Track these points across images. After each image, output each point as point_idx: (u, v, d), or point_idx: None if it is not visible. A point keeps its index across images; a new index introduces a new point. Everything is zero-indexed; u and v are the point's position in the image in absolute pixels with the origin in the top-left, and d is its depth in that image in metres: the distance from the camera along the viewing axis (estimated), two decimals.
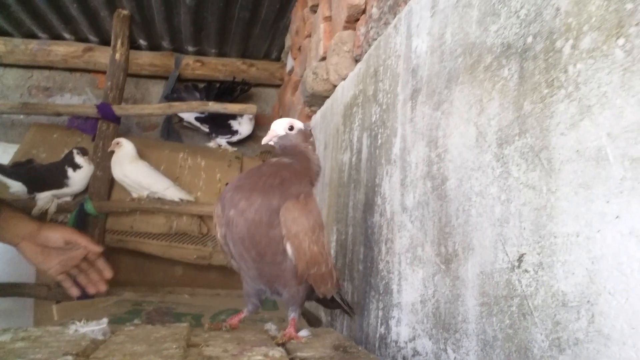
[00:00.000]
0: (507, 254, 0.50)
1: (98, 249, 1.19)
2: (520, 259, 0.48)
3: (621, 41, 0.38)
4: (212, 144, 2.54)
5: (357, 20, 1.20)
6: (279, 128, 0.76)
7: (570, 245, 0.42)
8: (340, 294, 0.84)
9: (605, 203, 0.39)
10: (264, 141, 0.76)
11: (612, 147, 0.39)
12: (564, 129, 0.44)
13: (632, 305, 0.35)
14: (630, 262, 0.36)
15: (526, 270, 0.47)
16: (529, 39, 0.50)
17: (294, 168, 0.74)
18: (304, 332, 0.74)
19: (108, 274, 1.20)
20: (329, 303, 0.87)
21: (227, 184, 2.20)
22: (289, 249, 0.69)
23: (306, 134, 0.78)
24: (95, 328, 0.69)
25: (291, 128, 0.76)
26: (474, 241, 0.57)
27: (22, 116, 2.50)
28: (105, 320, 0.70)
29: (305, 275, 0.71)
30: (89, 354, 0.55)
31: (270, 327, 0.77)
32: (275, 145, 0.76)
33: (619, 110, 0.38)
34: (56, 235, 1.12)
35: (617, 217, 0.37)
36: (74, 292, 1.18)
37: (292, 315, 0.76)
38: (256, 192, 0.70)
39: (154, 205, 2.02)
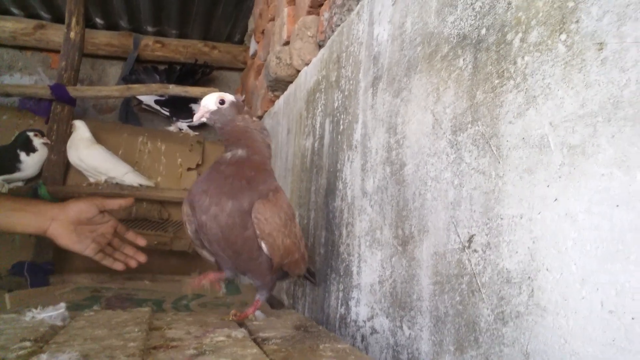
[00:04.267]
0: (458, 235, 0.53)
1: (130, 200, 1.12)
2: (470, 239, 0.51)
3: (563, 36, 0.41)
4: (172, 128, 2.48)
5: (321, 5, 1.20)
6: (209, 103, 0.75)
7: (514, 226, 0.45)
8: (308, 269, 0.89)
9: (546, 187, 0.42)
10: (195, 118, 0.75)
11: (553, 135, 0.42)
12: (512, 117, 0.46)
13: (565, 279, 0.38)
14: (565, 241, 0.39)
15: (475, 250, 0.50)
16: (483, 31, 0.52)
17: (254, 162, 0.75)
18: (259, 314, 0.78)
19: (141, 241, 1.13)
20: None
21: (188, 169, 2.18)
22: (264, 246, 0.72)
23: (239, 106, 0.77)
24: (53, 314, 0.68)
25: (222, 102, 0.75)
26: (428, 224, 0.60)
27: None
28: (62, 305, 0.69)
29: (279, 264, 0.75)
30: (48, 339, 0.55)
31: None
32: (209, 122, 0.75)
33: (560, 101, 0.41)
34: (87, 205, 1.04)
35: (555, 199, 0.41)
36: (119, 266, 1.10)
37: (258, 297, 0.79)
38: (225, 196, 0.71)
39: (112, 191, 1.96)
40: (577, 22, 0.40)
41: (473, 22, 0.54)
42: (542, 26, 0.44)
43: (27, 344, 0.51)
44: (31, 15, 2.39)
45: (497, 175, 0.48)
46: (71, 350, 0.47)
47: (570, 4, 0.40)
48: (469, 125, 0.53)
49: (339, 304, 0.87)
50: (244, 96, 2.50)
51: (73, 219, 1.02)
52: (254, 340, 0.58)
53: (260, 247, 0.72)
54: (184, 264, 2.12)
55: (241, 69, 2.67)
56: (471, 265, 0.51)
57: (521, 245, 0.44)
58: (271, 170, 0.79)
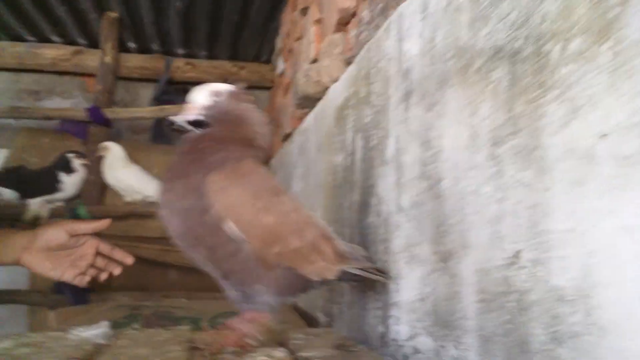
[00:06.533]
0: (503, 251, 0.52)
1: (104, 223, 1.03)
2: (516, 255, 0.49)
3: (608, 44, 0.40)
4: None
5: (348, 23, 1.21)
6: (200, 98, 0.64)
7: (565, 241, 0.43)
8: (358, 266, 0.70)
9: (598, 199, 0.40)
10: (183, 118, 0.65)
11: (602, 145, 0.40)
12: (556, 128, 0.45)
13: (627, 296, 0.37)
14: (623, 255, 0.37)
15: (523, 267, 0.48)
16: (519, 43, 0.51)
17: (215, 135, 0.63)
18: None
19: (129, 260, 1.04)
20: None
21: None
22: (232, 227, 0.56)
23: (239, 95, 0.67)
24: (96, 332, 0.69)
25: (217, 94, 0.65)
26: (470, 239, 0.58)
27: (11, 120, 2.48)
28: (105, 323, 0.71)
29: (269, 255, 0.58)
30: (94, 358, 0.56)
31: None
32: (207, 119, 0.64)
33: (607, 110, 0.40)
34: (56, 232, 0.99)
35: (610, 212, 0.39)
36: (85, 280, 1.02)
37: (253, 307, 0.61)
38: (176, 177, 0.59)
39: (148, 209, 2.01)
40: (622, 29, 0.39)
41: (507, 34, 0.53)
42: (583, 35, 0.42)
43: None
44: (69, 42, 2.50)
45: (543, 187, 0.47)
46: None
47: (613, 12, 0.39)
48: (509, 138, 0.52)
49: (378, 322, 0.85)
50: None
51: (43, 247, 0.98)
52: None
53: (228, 232, 0.56)
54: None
55: (269, 88, 2.71)
56: (519, 282, 0.49)
57: (574, 260, 0.42)
58: (246, 143, 0.65)
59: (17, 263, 0.99)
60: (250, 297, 0.62)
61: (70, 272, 1.00)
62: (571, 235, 0.43)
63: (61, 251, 1.00)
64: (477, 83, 0.58)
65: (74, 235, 1.01)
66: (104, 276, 1.05)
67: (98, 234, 1.06)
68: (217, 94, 0.65)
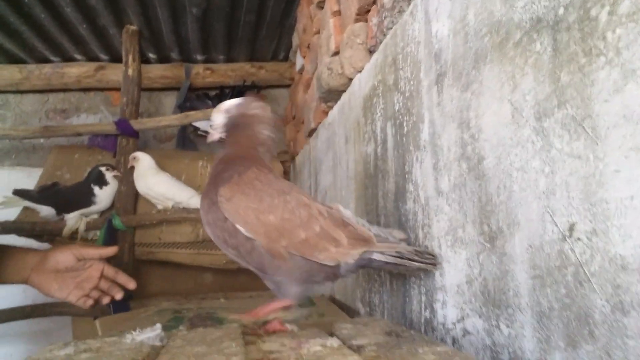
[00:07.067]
0: (556, 225, 0.51)
1: (111, 250, 1.11)
2: (571, 228, 0.48)
3: None
4: None
5: (368, 11, 1.20)
6: (217, 118, 0.77)
7: (624, 209, 0.42)
8: (389, 248, 0.73)
9: None
10: (209, 140, 0.78)
11: None
12: (607, 95, 0.44)
13: None
14: None
15: (579, 239, 0.47)
16: (561, 11, 0.50)
17: (229, 154, 0.76)
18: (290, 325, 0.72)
19: (132, 285, 1.12)
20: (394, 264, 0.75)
21: None
22: (240, 229, 0.67)
23: (247, 104, 0.78)
24: (151, 335, 0.71)
25: (228, 110, 0.77)
26: (518, 216, 0.57)
27: (42, 140, 2.56)
28: (159, 326, 0.72)
29: (277, 248, 0.67)
30: (154, 358, 0.57)
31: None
32: (225, 134, 0.77)
33: None
34: (64, 255, 1.04)
35: None
36: (88, 303, 1.09)
37: (280, 297, 0.71)
38: (204, 195, 0.73)
39: (180, 215, 2.05)
40: None
41: (547, 3, 0.52)
42: None
43: None
44: (91, 58, 2.56)
45: (596, 157, 0.45)
46: None
47: None
48: (556, 110, 0.51)
49: (423, 308, 0.85)
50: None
51: (52, 268, 1.02)
52: (350, 348, 0.57)
53: (245, 236, 0.67)
54: (252, 280, 2.15)
55: (288, 85, 2.72)
56: (575, 255, 0.48)
57: (635, 228, 0.41)
58: (254, 155, 0.76)
59: (25, 282, 1.04)
60: (280, 287, 0.72)
61: (76, 293, 1.05)
62: (631, 202, 0.42)
63: (67, 273, 1.04)
64: (517, 57, 0.57)
65: (80, 260, 1.05)
66: (106, 300, 1.11)
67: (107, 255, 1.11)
68: (228, 110, 0.77)
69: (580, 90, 0.47)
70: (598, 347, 0.45)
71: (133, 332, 0.72)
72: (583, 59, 0.47)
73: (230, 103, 0.78)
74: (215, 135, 0.77)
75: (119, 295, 1.11)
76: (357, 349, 0.57)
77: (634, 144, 0.41)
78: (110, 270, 1.08)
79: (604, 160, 0.45)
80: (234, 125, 0.77)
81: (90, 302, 1.08)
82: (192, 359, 0.56)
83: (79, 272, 1.06)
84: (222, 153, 0.78)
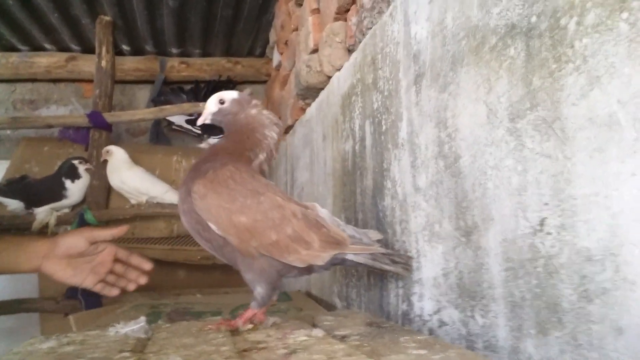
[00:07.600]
0: (528, 220, 0.54)
1: (123, 230, 1.06)
2: (542, 223, 0.52)
3: (625, 15, 0.42)
4: (204, 145, 2.54)
5: (348, 10, 1.22)
6: (211, 105, 0.78)
7: (589, 205, 0.46)
8: (362, 250, 0.75)
9: (620, 163, 0.43)
10: (199, 121, 0.78)
11: (623, 112, 0.42)
12: (575, 99, 0.48)
13: None
14: None
15: (549, 233, 0.51)
16: (533, 19, 0.53)
17: (219, 146, 0.76)
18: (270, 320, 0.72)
19: (147, 266, 1.07)
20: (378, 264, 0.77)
21: None
22: (212, 227, 0.67)
23: (243, 102, 0.78)
24: (135, 327, 0.71)
25: (222, 101, 0.78)
26: (493, 212, 0.61)
27: (9, 131, 2.48)
28: (143, 318, 0.73)
29: (248, 248, 0.67)
30: (142, 349, 0.58)
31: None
32: (214, 122, 0.78)
33: (627, 78, 0.42)
34: (76, 239, 1.01)
35: (632, 174, 0.41)
36: (114, 292, 1.05)
37: (252, 303, 0.71)
38: (183, 183, 0.73)
39: (154, 210, 2.03)
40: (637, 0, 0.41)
41: (521, 11, 0.55)
42: (599, 7, 0.45)
43: (127, 354, 0.55)
44: (62, 48, 2.50)
45: (564, 157, 0.49)
46: (174, 355, 0.50)
47: None
48: (528, 112, 0.54)
49: (400, 301, 0.88)
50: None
51: (64, 254, 1.00)
52: (334, 337, 0.60)
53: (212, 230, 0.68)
54: (227, 276, 2.16)
55: (264, 81, 2.72)
56: (545, 248, 0.52)
57: (599, 222, 0.45)
58: (243, 151, 0.76)
59: (37, 270, 1.00)
60: (250, 284, 0.72)
61: (91, 279, 1.02)
62: (595, 199, 0.45)
63: (80, 258, 1.02)
64: (492, 61, 0.60)
65: (93, 243, 1.02)
66: (132, 287, 1.07)
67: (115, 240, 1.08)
68: (222, 100, 0.78)
69: (551, 94, 0.51)
70: (566, 333, 0.49)
71: (116, 325, 0.72)
72: (553, 64, 0.50)
73: (227, 95, 0.78)
74: (204, 120, 0.78)
75: (143, 281, 1.07)
76: (342, 339, 0.59)
77: (597, 145, 0.45)
78: (122, 253, 1.05)
79: (571, 160, 0.48)
80: (233, 121, 0.77)
81: (115, 291, 1.04)
82: (181, 349, 0.57)
83: (91, 257, 1.02)
84: (217, 143, 0.79)
